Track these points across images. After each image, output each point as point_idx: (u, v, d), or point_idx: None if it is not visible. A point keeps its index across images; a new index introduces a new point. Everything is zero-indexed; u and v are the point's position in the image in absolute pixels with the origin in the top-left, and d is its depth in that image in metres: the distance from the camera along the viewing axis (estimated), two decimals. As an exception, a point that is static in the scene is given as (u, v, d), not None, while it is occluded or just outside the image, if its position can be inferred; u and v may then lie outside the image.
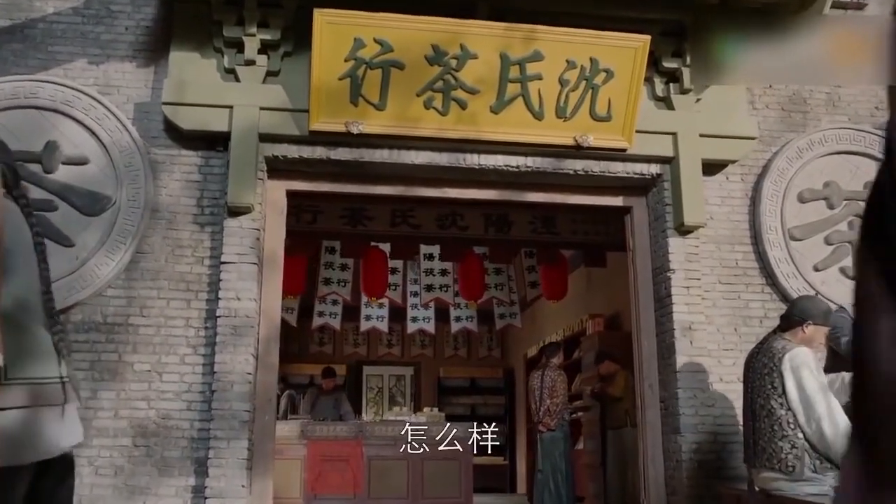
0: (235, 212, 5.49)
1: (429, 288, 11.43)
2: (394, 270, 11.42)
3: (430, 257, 11.20)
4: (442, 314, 12.19)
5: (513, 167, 5.86)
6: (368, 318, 12.24)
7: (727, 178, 6.19)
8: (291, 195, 6.00)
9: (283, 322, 11.99)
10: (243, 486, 5.15)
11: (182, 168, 5.70)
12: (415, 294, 11.93)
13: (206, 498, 5.11)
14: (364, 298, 11.50)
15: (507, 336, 15.30)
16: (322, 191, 6.02)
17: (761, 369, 4.43)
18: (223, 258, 5.45)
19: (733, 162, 6.12)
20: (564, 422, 8.76)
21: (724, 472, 5.52)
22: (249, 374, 5.33)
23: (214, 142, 5.65)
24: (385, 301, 11.82)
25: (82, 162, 5.56)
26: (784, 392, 4.26)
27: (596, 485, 9.32)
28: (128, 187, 5.55)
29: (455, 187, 6.10)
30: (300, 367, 14.55)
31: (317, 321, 12.29)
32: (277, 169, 5.83)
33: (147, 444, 5.27)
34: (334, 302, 12.02)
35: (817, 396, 4.15)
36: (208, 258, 5.56)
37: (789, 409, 4.24)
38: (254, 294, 5.43)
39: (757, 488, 4.44)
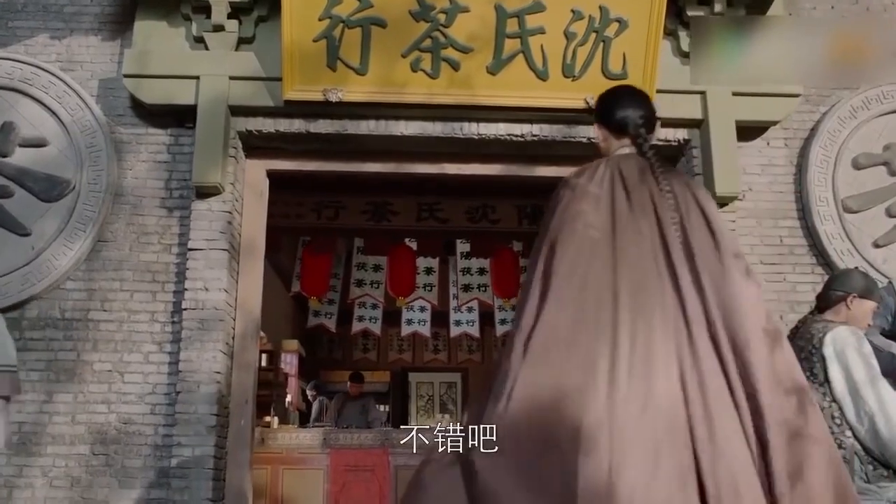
0: (203, 193, 4.94)
1: (466, 288, 10.74)
2: (429, 270, 10.82)
3: (468, 255, 10.51)
4: (487, 317, 11.48)
5: (517, 136, 5.17)
6: (410, 322, 11.64)
7: (768, 144, 5.39)
8: (273, 176, 5.41)
9: (323, 328, 11.72)
10: (209, 500, 4.56)
11: (149, 148, 5.18)
12: (454, 296, 11.27)
13: (167, 512, 4.55)
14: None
15: (559, 339, 14.51)
16: (306, 170, 5.41)
17: (797, 354, 3.62)
18: (190, 244, 4.90)
19: (774, 124, 5.32)
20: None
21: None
22: (218, 373, 4.75)
23: (184, 118, 5.12)
24: (427, 304, 11.21)
25: (41, 144, 5.09)
26: (827, 380, 3.43)
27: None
28: (89, 169, 5.05)
29: (454, 162, 5.42)
30: (342, 374, 13.98)
31: (356, 326, 11.75)
32: (254, 146, 5.27)
33: (107, 452, 4.73)
34: (374, 306, 11.46)
35: (868, 386, 3.33)
36: (176, 245, 5.02)
37: (834, 401, 3.41)
38: (224, 284, 4.86)
39: None
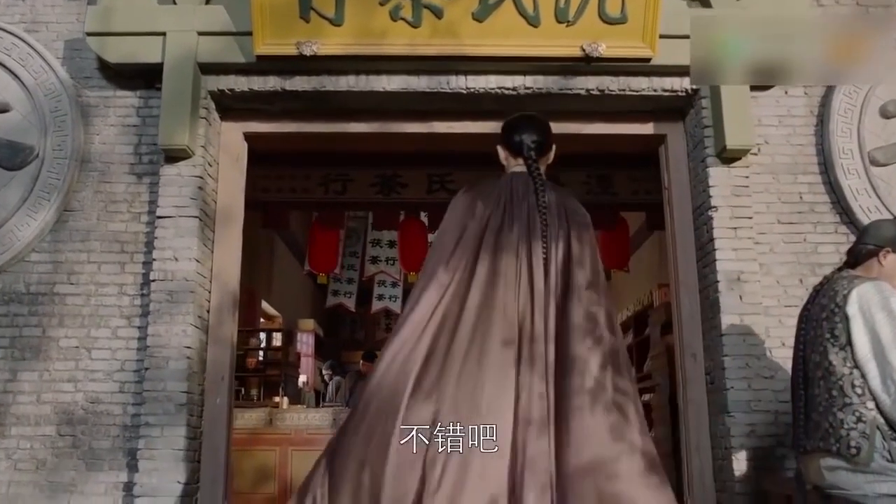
0: (172, 157, 4.63)
1: (483, 263, 10.35)
2: (445, 245, 10.41)
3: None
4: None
5: (509, 90, 4.78)
6: (430, 300, 11.25)
7: (785, 93, 4.92)
8: (252, 139, 5.08)
9: (342, 307, 11.42)
10: (179, 483, 4.27)
11: (117, 111, 4.88)
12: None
13: (135, 496, 4.26)
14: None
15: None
16: (286, 132, 5.06)
17: (818, 314, 3.20)
18: (158, 212, 4.60)
19: (793, 70, 4.85)
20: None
21: (789, 461, 4.29)
22: (188, 347, 4.44)
23: (153, 79, 4.79)
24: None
25: (2, 109, 4.81)
26: (850, 342, 2.99)
27: (669, 476, 8.07)
28: (53, 135, 4.77)
29: (444, 120, 5.03)
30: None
31: (376, 305, 11.43)
32: (229, 108, 4.94)
33: (73, 433, 4.47)
34: (393, 284, 11.14)
35: None
36: (146, 214, 4.72)
37: (856, 366, 2.97)
38: (194, 253, 4.54)
39: (808, 485, 3.20)
